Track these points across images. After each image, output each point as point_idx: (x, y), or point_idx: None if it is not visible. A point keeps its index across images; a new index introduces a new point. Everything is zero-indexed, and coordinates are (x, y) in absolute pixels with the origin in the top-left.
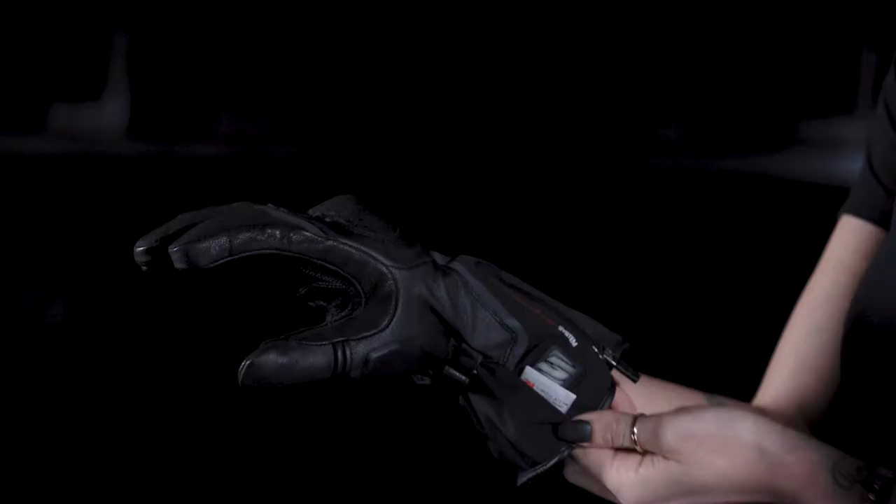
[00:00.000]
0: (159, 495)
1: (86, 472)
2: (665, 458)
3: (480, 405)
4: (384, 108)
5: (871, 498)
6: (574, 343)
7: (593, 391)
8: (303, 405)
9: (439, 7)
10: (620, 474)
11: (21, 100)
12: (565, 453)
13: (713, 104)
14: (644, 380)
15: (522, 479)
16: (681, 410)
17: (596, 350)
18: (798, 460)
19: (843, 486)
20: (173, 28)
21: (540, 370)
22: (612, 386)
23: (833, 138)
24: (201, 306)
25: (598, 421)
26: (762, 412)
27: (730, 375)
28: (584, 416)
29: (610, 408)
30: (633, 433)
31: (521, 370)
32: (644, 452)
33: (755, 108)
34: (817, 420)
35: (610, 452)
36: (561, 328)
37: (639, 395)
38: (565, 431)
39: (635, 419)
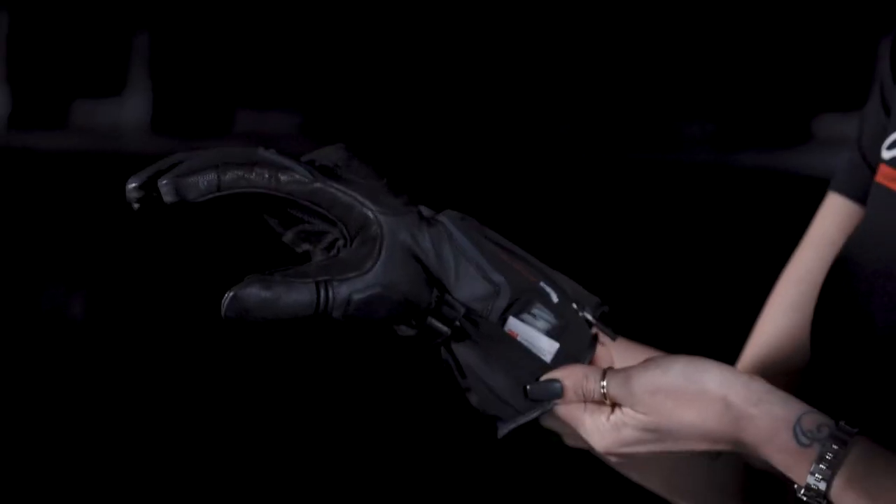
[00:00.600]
0: (157, 493)
1: (101, 466)
2: (634, 410)
3: (464, 356)
4: (407, 102)
5: (828, 458)
6: (555, 299)
7: (576, 343)
8: (302, 396)
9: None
10: (593, 420)
11: (44, 97)
12: (548, 406)
13: (729, 101)
14: (625, 342)
15: (504, 430)
16: (648, 362)
17: (575, 307)
18: (762, 414)
19: (802, 443)
20: (194, 25)
21: (523, 321)
22: (594, 340)
23: (849, 134)
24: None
25: (569, 377)
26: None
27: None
28: (553, 374)
29: (591, 361)
30: (602, 387)
31: (505, 321)
32: (614, 404)
33: (771, 104)
34: (792, 388)
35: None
36: (542, 284)
37: (618, 356)
38: (535, 391)
39: (605, 373)
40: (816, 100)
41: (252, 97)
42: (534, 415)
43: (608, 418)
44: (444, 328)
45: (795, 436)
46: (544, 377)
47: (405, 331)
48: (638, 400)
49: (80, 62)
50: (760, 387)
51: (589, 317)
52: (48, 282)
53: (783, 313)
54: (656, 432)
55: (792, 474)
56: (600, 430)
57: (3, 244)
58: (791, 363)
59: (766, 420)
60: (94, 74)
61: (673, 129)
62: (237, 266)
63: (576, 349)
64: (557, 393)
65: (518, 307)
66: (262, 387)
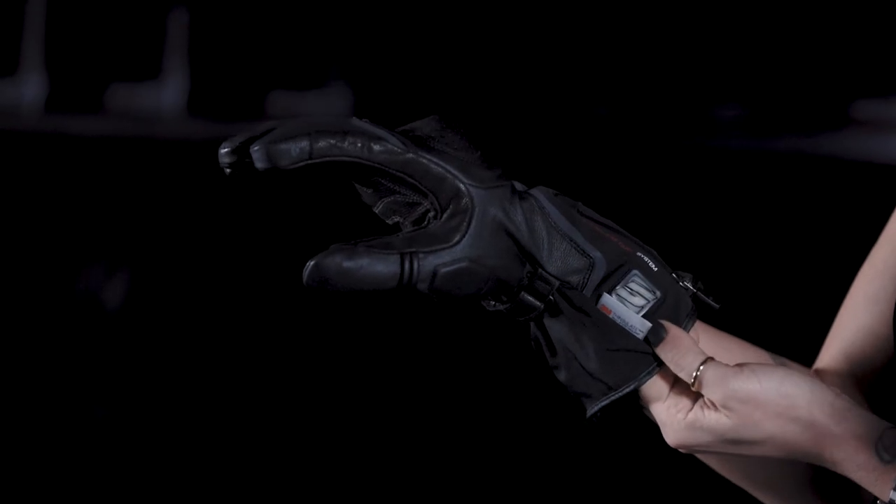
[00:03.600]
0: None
1: (125, 462)
2: (717, 409)
3: (556, 331)
4: (438, 84)
5: None
6: (654, 267)
7: (673, 315)
8: (310, 403)
9: None
10: (670, 413)
11: (79, 80)
12: (644, 380)
13: (767, 84)
14: (710, 329)
15: (593, 409)
16: (746, 370)
17: (675, 277)
18: (844, 432)
19: (884, 460)
20: (232, 5)
21: (619, 296)
22: (693, 312)
23: (887, 118)
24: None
25: (676, 336)
26: (818, 377)
27: (788, 347)
28: (670, 328)
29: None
30: (697, 371)
31: (599, 297)
32: (696, 393)
33: (807, 87)
34: (870, 384)
35: (665, 387)
36: (639, 253)
37: (709, 342)
38: (653, 331)
39: (706, 360)
40: (854, 83)
41: (290, 79)
42: (626, 390)
43: (685, 416)
44: (537, 303)
45: (877, 452)
46: (662, 322)
47: (495, 306)
48: (727, 404)
49: (117, 46)
50: (844, 404)
51: (689, 285)
52: (84, 268)
53: (864, 307)
54: (732, 439)
55: (875, 491)
56: (674, 426)
57: (37, 230)
58: (875, 357)
59: (848, 439)
60: (130, 58)
61: (706, 112)
62: (298, 178)
63: (672, 321)
64: (659, 337)
65: (615, 279)
66: (317, 292)
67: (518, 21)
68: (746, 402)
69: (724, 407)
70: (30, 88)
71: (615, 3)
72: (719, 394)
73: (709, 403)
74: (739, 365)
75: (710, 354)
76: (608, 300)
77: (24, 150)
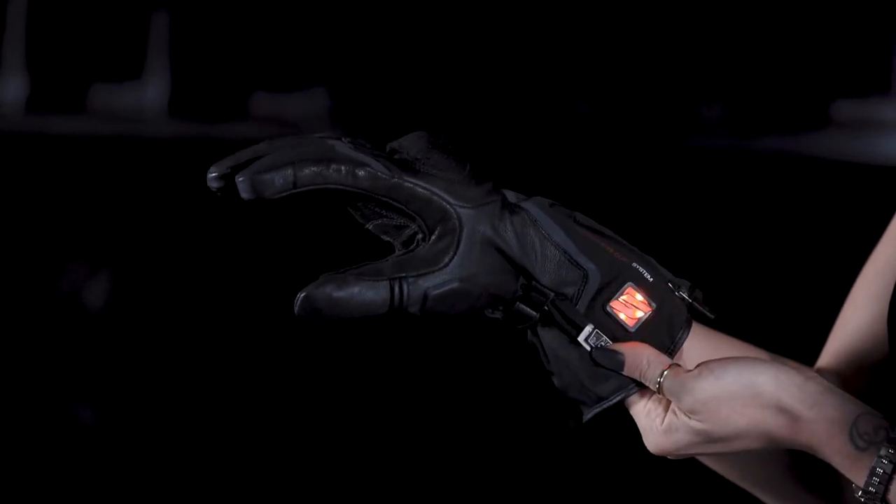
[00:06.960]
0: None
1: (112, 467)
2: (687, 417)
3: (549, 340)
4: (425, 83)
5: (885, 462)
6: (649, 278)
7: (667, 327)
8: (313, 403)
9: None
10: (649, 419)
11: (61, 80)
12: (633, 390)
13: (749, 84)
14: (708, 333)
15: (588, 415)
16: (703, 369)
17: (671, 286)
18: (817, 416)
19: (859, 446)
20: (215, 4)
21: (611, 310)
22: (688, 322)
23: (867, 118)
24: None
25: (633, 355)
26: (820, 376)
27: (772, 345)
28: (621, 347)
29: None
30: (659, 380)
31: (593, 310)
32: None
33: (788, 87)
34: (870, 381)
35: (645, 395)
36: (635, 264)
37: (705, 347)
38: (599, 356)
39: (666, 368)
40: (834, 84)
41: (274, 80)
42: (616, 399)
43: (662, 421)
44: (533, 313)
45: (851, 439)
46: (612, 346)
47: (493, 313)
48: (689, 408)
49: (99, 45)
50: (816, 388)
51: (685, 296)
52: (66, 269)
53: (864, 306)
54: (707, 437)
55: (850, 476)
56: (653, 432)
57: (19, 229)
58: (875, 354)
59: (822, 423)
60: (112, 58)
61: (689, 112)
62: (285, 205)
63: (667, 334)
64: (619, 364)
65: (610, 292)
66: (310, 322)
67: (499, 19)
68: (709, 402)
69: (691, 412)
70: (11, 88)
71: (598, 2)
72: (681, 399)
73: (677, 409)
74: (698, 366)
75: (707, 359)
76: (601, 314)
77: (5, 150)
